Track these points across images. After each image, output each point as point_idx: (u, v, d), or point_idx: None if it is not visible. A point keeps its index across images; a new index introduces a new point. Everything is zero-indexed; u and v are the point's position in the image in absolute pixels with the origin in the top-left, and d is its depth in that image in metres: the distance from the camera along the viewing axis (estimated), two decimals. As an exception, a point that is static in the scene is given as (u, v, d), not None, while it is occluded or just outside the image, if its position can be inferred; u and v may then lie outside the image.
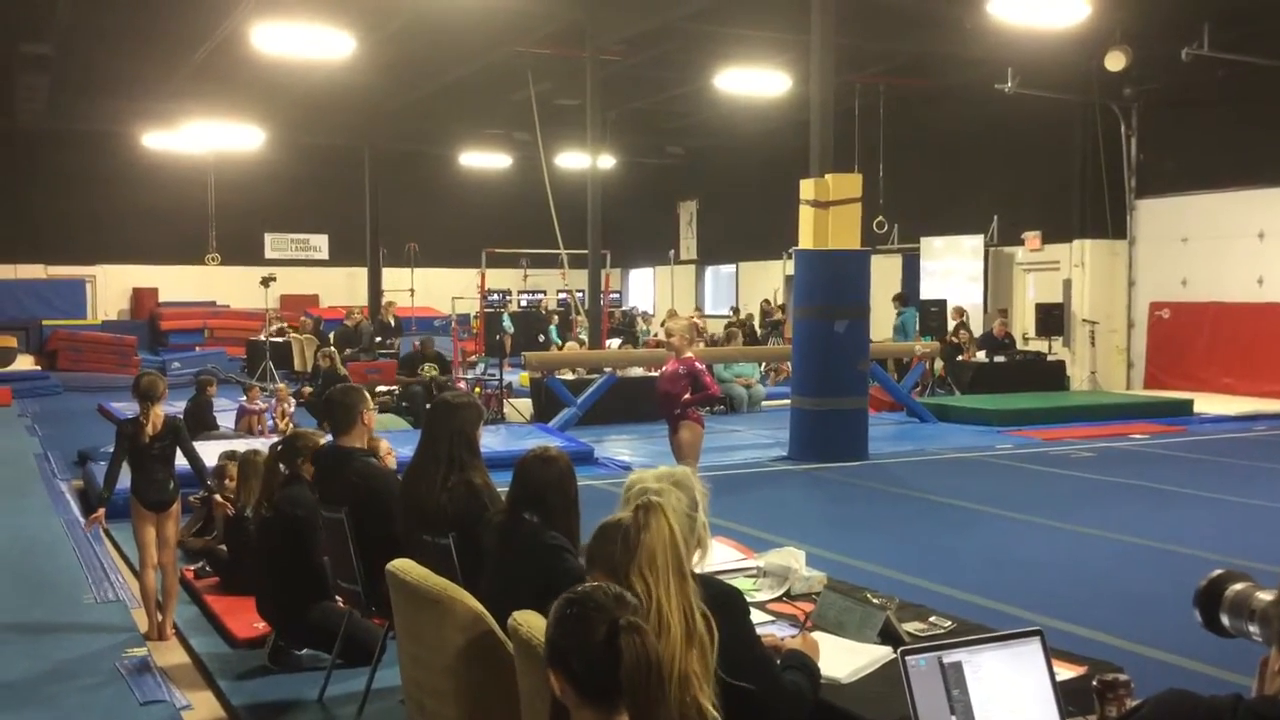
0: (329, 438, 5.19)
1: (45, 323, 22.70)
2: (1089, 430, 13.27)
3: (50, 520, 8.54)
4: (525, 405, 14.75)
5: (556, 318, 23.27)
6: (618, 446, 12.33)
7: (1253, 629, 1.80)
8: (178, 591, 6.04)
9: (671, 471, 3.26)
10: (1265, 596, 1.80)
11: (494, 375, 15.30)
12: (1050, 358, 17.37)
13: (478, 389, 14.70)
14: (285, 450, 5.47)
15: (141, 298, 25.21)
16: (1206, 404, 15.01)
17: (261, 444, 8.40)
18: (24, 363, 19.89)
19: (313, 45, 14.01)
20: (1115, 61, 15.01)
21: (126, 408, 15.25)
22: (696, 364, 8.10)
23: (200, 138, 20.95)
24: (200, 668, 5.36)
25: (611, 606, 1.96)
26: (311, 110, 21.45)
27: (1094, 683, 2.46)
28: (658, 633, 2.28)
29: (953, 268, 19.82)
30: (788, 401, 12.67)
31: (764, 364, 17.84)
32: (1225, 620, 1.85)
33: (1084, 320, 17.85)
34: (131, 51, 17.75)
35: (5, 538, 7.95)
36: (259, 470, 6.18)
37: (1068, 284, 18.19)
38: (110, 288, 25.27)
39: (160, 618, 5.80)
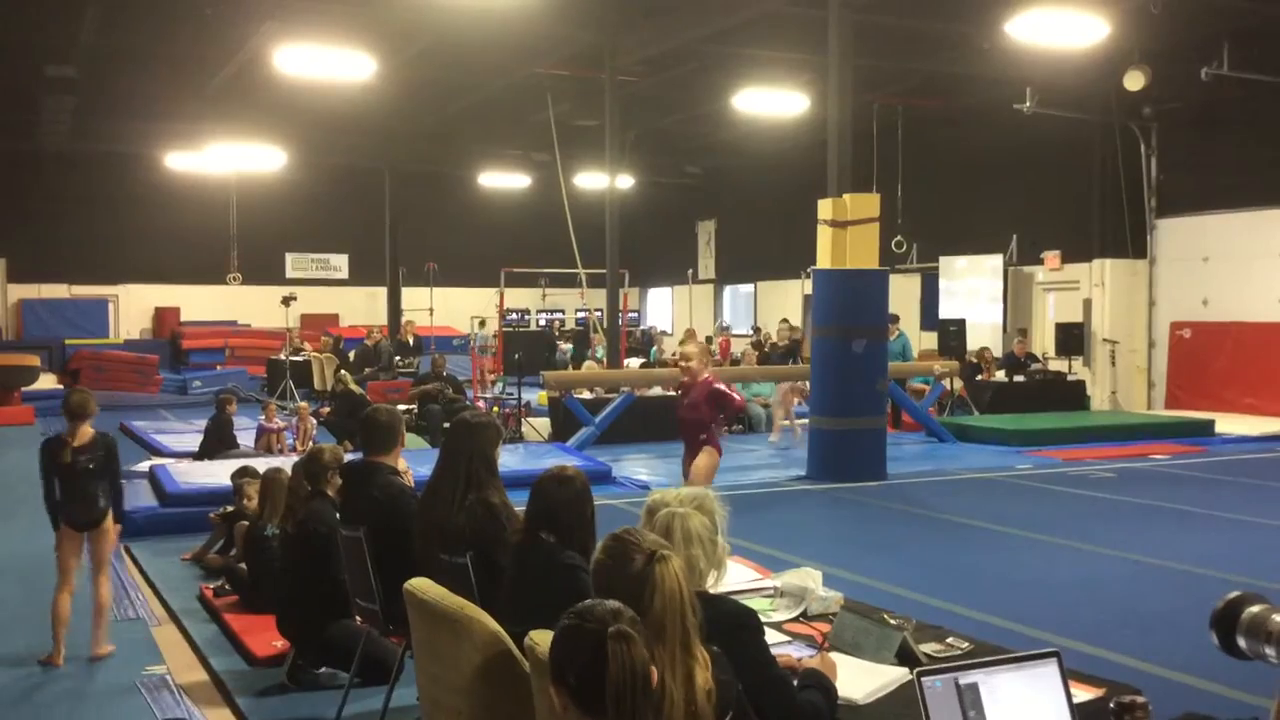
0: (353, 454, 5.21)
1: (68, 342, 22.91)
2: (1109, 450, 13.19)
3: (72, 538, 8.57)
4: (544, 424, 14.77)
5: (569, 337, 23.33)
6: (636, 465, 12.33)
7: (1269, 651, 1.79)
8: (109, 608, 5.84)
9: (694, 494, 3.27)
10: (1282, 619, 1.79)
11: (512, 394, 15.35)
12: (1070, 377, 17.29)
13: (495, 408, 14.76)
14: (309, 466, 5.50)
15: (163, 317, 25.41)
16: (1228, 424, 14.90)
17: (282, 462, 8.46)
18: (47, 381, 20.03)
19: (334, 67, 14.16)
20: (1134, 81, 14.99)
21: (149, 426, 15.41)
22: (716, 384, 7.68)
23: (222, 159, 21.15)
24: (219, 686, 5.38)
25: (605, 617, 1.96)
26: (332, 131, 21.63)
27: (1111, 705, 2.45)
28: (659, 703, 2.16)
29: (972, 287, 19.77)
30: (805, 421, 12.65)
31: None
32: (1242, 643, 1.84)
33: (1104, 340, 17.77)
34: (155, 74, 17.95)
35: (27, 555, 8.00)
36: (282, 488, 6.22)
37: (1088, 303, 18.13)
38: (133, 307, 25.48)
39: (62, 643, 5.63)
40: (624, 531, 2.48)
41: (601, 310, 18.14)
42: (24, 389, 18.75)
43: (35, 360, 20.34)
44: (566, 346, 23.50)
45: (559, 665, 1.97)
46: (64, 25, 14.76)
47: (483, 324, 21.35)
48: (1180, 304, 17.42)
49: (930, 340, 19.29)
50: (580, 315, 24.13)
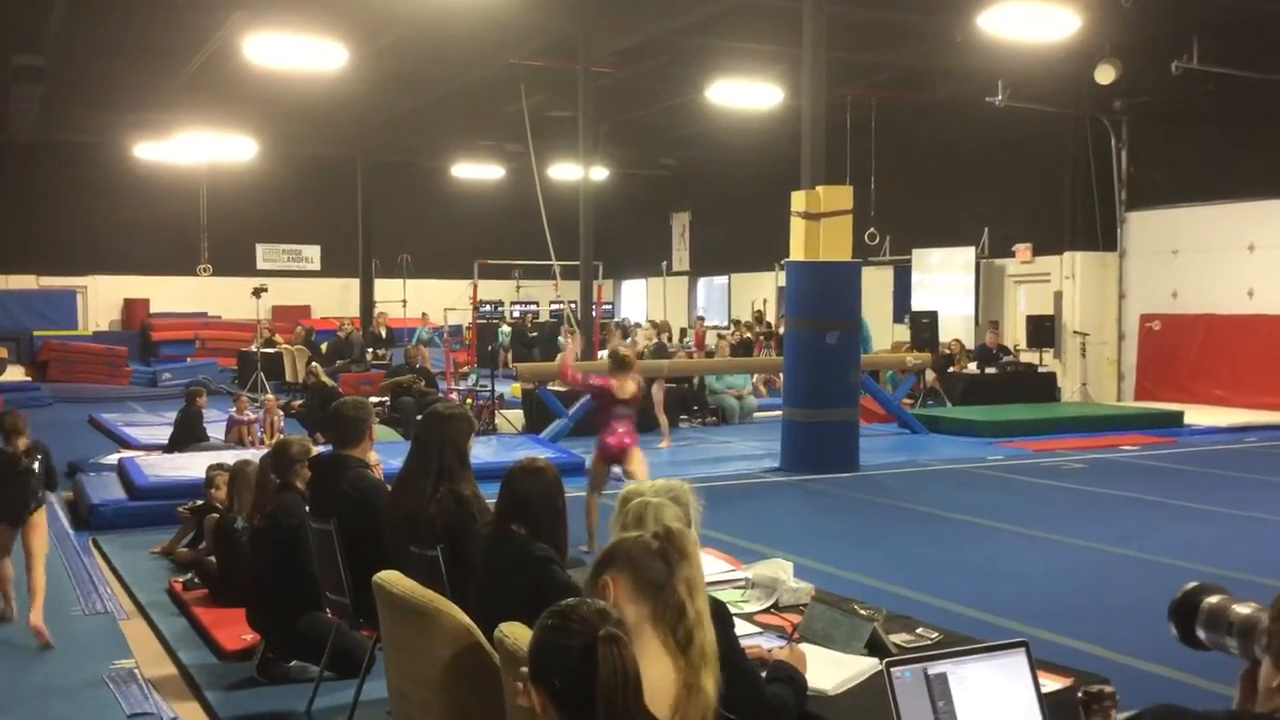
0: (323, 446, 5.19)
1: (36, 333, 22.64)
2: (1080, 442, 13.29)
3: (39, 532, 8.49)
4: (517, 416, 14.74)
5: (537, 332, 23.22)
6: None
7: (1231, 642, 1.79)
8: (43, 587, 6.04)
9: (669, 485, 3.28)
10: (1242, 609, 1.79)
11: (486, 387, 15.31)
12: (1041, 369, 17.40)
13: (469, 400, 14.71)
14: (276, 459, 5.46)
15: (133, 308, 25.15)
16: (1197, 416, 15.05)
17: (252, 455, 8.40)
18: (15, 373, 19.83)
19: (305, 56, 14.04)
20: (1105, 75, 15.08)
21: (118, 419, 15.29)
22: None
23: (192, 149, 20.94)
24: (188, 679, 5.35)
25: (593, 620, 1.94)
26: (304, 121, 21.47)
27: (1079, 694, 2.46)
28: (700, 661, 2.30)
29: (944, 280, 19.87)
30: (779, 413, 12.68)
31: (754, 375, 17.83)
32: (1201, 634, 1.84)
33: (1075, 332, 17.90)
34: (124, 63, 17.75)
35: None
36: (250, 481, 6.18)
37: (1058, 296, 18.25)
38: (101, 298, 25.20)
39: (11, 599, 6.20)
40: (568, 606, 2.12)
41: (575, 302, 18.11)
42: (-9, 381, 18.55)
43: (3, 352, 20.14)
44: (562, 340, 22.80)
45: (541, 666, 1.95)
46: (32, 13, 14.56)
47: (424, 316, 21.60)
48: (1150, 296, 17.56)
49: (903, 332, 19.36)
50: (554, 307, 24.07)
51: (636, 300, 30.57)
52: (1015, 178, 18.53)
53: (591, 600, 2.05)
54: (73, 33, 15.53)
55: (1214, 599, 1.83)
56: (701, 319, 24.86)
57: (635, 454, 7.73)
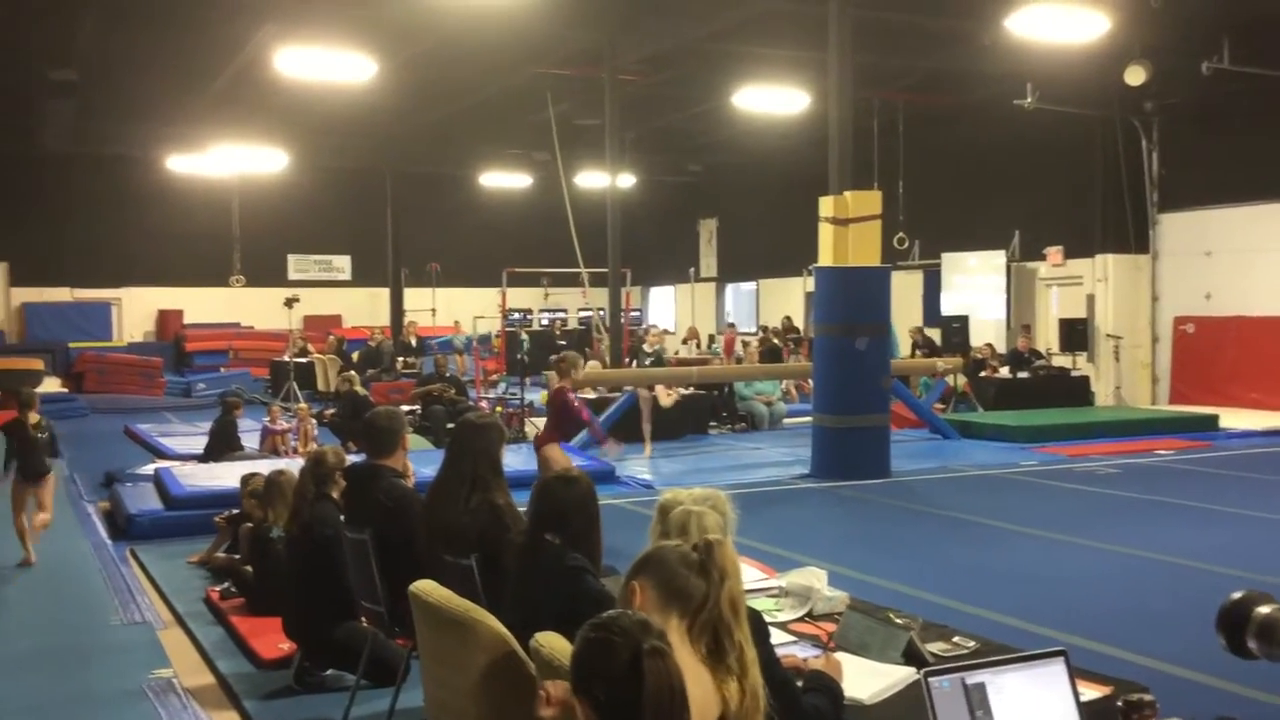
0: (357, 455, 5.23)
1: (72, 345, 22.92)
2: (1114, 446, 13.18)
3: (78, 542, 8.60)
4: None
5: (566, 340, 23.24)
6: (639, 465, 12.33)
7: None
8: (40, 530, 8.05)
9: (707, 494, 3.28)
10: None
11: (515, 394, 15.35)
12: (1074, 373, 17.26)
13: (499, 408, 14.76)
14: (315, 470, 5.51)
15: (167, 319, 25.42)
16: (1232, 419, 14.88)
17: (286, 464, 8.47)
18: (51, 385, 20.06)
19: (335, 69, 14.18)
20: (1135, 76, 14.96)
21: (153, 429, 15.44)
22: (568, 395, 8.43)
23: (224, 161, 21.16)
24: (226, 689, 5.39)
25: (636, 632, 1.95)
26: (334, 133, 21.63)
27: (1119, 703, 2.45)
28: (743, 674, 2.29)
29: (974, 284, 19.76)
30: (809, 419, 12.65)
31: (784, 381, 17.80)
32: (1253, 644, 1.82)
33: (1108, 335, 17.75)
34: (156, 76, 17.94)
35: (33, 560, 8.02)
36: (286, 491, 6.23)
37: (1091, 299, 18.11)
38: (136, 310, 25.48)
39: (30, 548, 7.90)
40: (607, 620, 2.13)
41: (604, 310, 18.14)
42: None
43: (39, 364, 20.37)
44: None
45: (584, 678, 1.95)
46: (65, 28, 14.75)
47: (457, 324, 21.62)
48: (1183, 299, 17.40)
49: (933, 337, 19.27)
50: (583, 315, 24.12)
51: (664, 307, 30.57)
52: (1045, 180, 18.41)
53: (632, 612, 2.06)
54: (105, 47, 15.72)
55: (1266, 609, 1.81)
56: (732, 326, 24.83)
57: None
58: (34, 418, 8.12)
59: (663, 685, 1.88)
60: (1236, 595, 1.86)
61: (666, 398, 14.28)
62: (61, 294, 24.54)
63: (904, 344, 18.29)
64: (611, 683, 1.90)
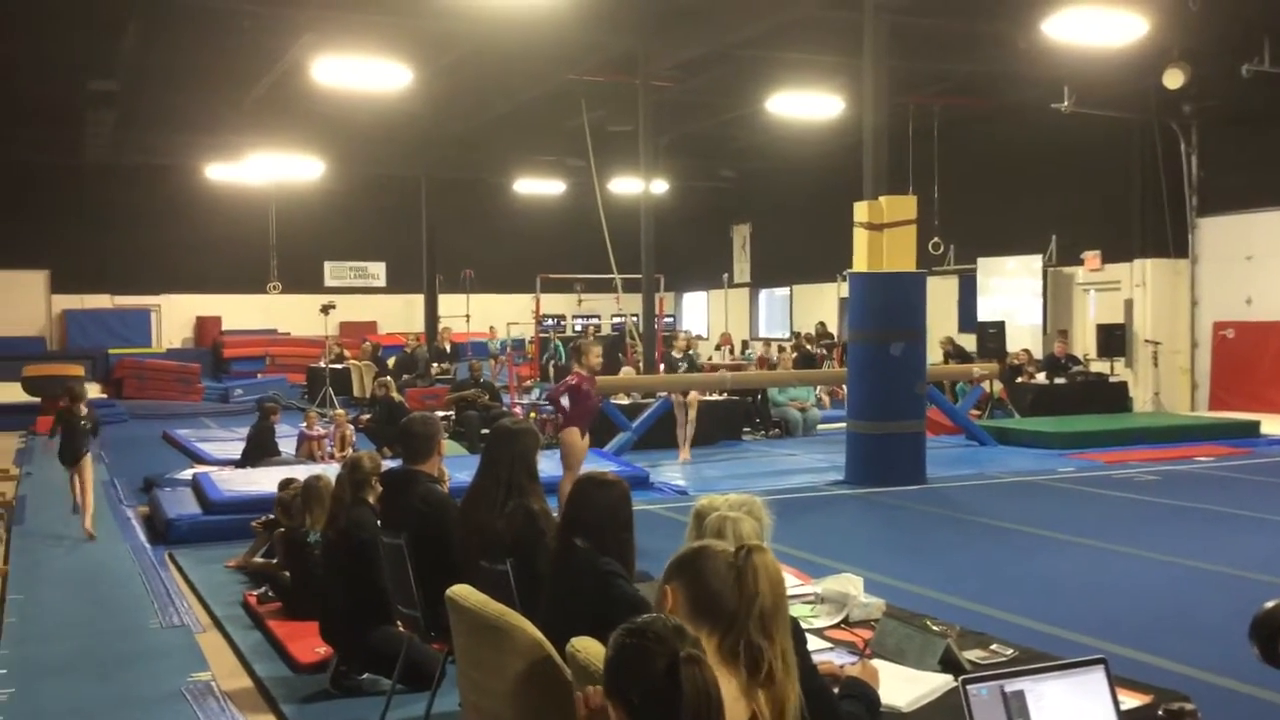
0: (390, 460, 5.26)
1: (111, 351, 23.22)
2: (1153, 453, 13.03)
3: (117, 546, 8.70)
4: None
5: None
6: (672, 471, 12.32)
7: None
8: (92, 507, 9.29)
9: (743, 499, 3.27)
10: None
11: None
12: (1112, 379, 17.10)
13: (533, 414, 14.80)
14: (353, 474, 5.55)
15: (205, 326, 25.71)
16: (1274, 425, 14.68)
17: (322, 469, 8.53)
18: (91, 391, 20.23)
19: (371, 77, 14.29)
20: (1174, 79, 14.81)
21: (191, 434, 15.61)
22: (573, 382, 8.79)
23: (261, 169, 21.39)
24: (263, 692, 5.43)
25: (671, 638, 1.95)
26: (369, 141, 21.80)
27: (1160, 712, 2.43)
28: (772, 682, 2.26)
29: (1011, 288, 19.61)
30: (843, 425, 12.60)
31: (818, 387, 17.73)
32: (1287, 653, 1.80)
33: (1146, 340, 17.57)
34: (195, 86, 18.17)
35: (73, 564, 8.13)
36: (324, 495, 6.28)
37: (1129, 304, 17.93)
38: (174, 317, 25.79)
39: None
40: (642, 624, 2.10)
41: (638, 315, 18.15)
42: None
43: (80, 370, 20.62)
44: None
45: (619, 682, 1.96)
46: (105, 40, 14.96)
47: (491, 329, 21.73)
48: (1223, 303, 17.19)
49: (969, 342, 19.15)
50: (616, 321, 24.15)
51: (698, 312, 30.57)
52: (1082, 184, 18.26)
53: (667, 617, 2.06)
54: (145, 58, 15.93)
55: (1298, 616, 1.79)
56: (767, 341, 24.71)
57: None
58: (82, 409, 9.46)
59: (699, 693, 1.88)
60: (1270, 604, 1.84)
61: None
62: (102, 301, 24.87)
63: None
64: (648, 689, 1.91)
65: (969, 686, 2.26)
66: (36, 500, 10.71)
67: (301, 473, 7.96)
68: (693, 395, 13.91)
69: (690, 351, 17.01)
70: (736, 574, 2.37)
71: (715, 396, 14.91)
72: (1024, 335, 18.47)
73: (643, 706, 1.92)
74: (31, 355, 21.67)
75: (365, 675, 5.37)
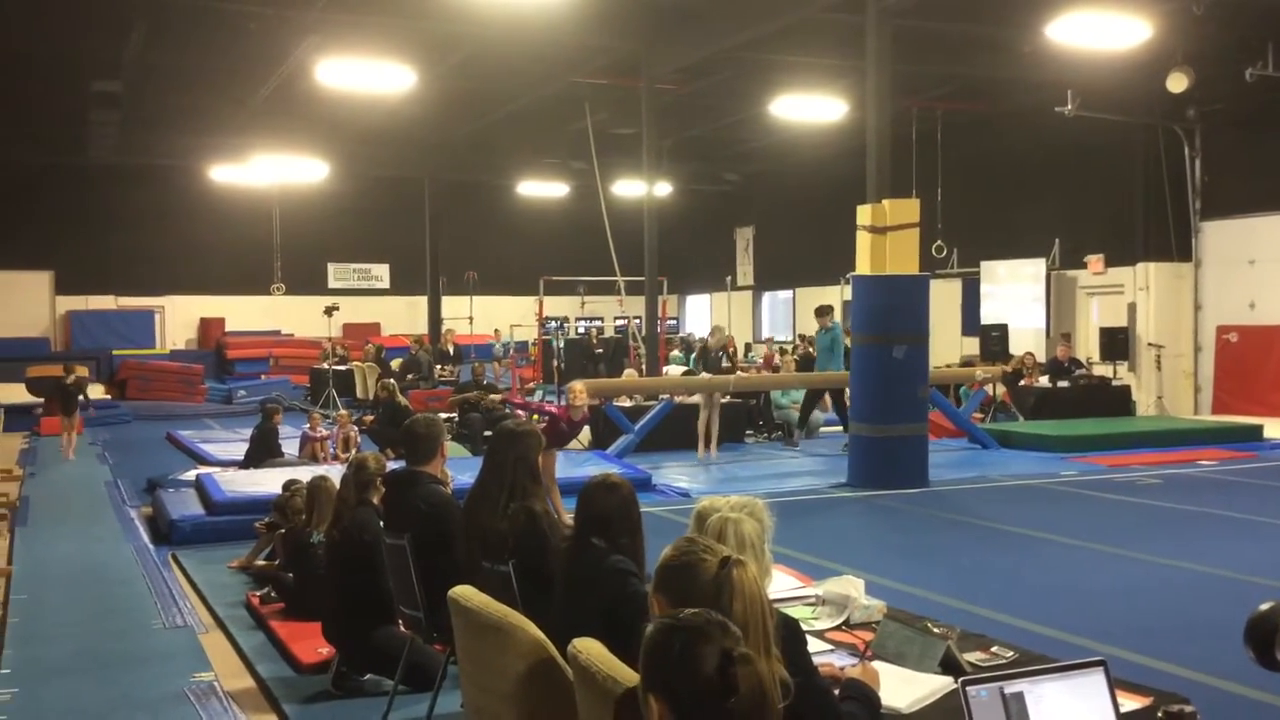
0: (395, 462, 5.27)
1: (115, 352, 23.26)
2: (1156, 457, 13.02)
3: (120, 547, 8.72)
4: (583, 432, 14.79)
5: (602, 348, 23.30)
6: (675, 473, 12.32)
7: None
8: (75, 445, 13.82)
9: (745, 501, 3.28)
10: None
11: (551, 402, 15.39)
12: (1115, 383, 17.09)
13: (535, 416, 14.80)
14: (358, 476, 5.56)
15: (208, 327, 25.74)
16: (1277, 429, 14.66)
17: (326, 470, 8.55)
18: (95, 392, 20.30)
19: (375, 79, 14.33)
20: (1177, 83, 14.82)
21: (195, 435, 15.64)
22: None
23: (265, 171, 21.42)
24: (266, 693, 5.45)
25: (719, 636, 1.92)
26: (373, 143, 21.84)
27: (1159, 714, 2.44)
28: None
29: (1014, 292, 19.61)
30: (839, 428, 12.59)
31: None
32: (1282, 656, 1.80)
33: (1149, 344, 17.56)
34: (199, 88, 18.21)
35: (77, 564, 8.14)
36: (328, 496, 6.29)
37: (1132, 307, 17.93)
38: (178, 318, 25.82)
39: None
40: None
41: (640, 318, 18.16)
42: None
43: (84, 371, 20.65)
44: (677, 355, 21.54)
45: (664, 679, 1.92)
46: (110, 41, 15.00)
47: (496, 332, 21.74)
48: (1226, 307, 17.18)
49: (972, 345, 19.15)
50: (619, 323, 24.17)
51: (701, 315, 30.57)
52: (1086, 188, 18.26)
53: (708, 612, 2.02)
54: (149, 60, 15.96)
55: (1292, 620, 1.79)
56: (771, 340, 24.73)
57: None
58: (72, 380, 14.52)
59: (755, 691, 1.86)
60: (1264, 606, 1.84)
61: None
62: (105, 302, 24.92)
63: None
64: (699, 687, 1.87)
65: (969, 688, 2.27)
66: (40, 501, 10.73)
67: (305, 474, 7.97)
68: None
69: (730, 350, 17.02)
70: (716, 590, 2.35)
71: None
72: (1027, 339, 18.47)
73: (691, 704, 1.88)
74: (35, 356, 21.71)
75: (367, 676, 5.37)
